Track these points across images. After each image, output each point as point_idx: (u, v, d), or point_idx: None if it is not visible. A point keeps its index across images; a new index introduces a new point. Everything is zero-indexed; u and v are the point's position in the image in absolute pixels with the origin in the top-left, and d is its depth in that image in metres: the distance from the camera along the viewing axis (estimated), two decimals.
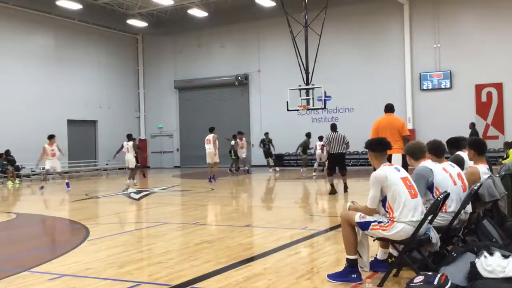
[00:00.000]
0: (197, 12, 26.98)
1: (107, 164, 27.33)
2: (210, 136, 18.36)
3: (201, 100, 29.83)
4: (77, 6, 24.80)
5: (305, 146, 22.20)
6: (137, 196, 14.17)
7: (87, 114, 27.89)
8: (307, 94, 22.74)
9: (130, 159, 18.24)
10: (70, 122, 26.88)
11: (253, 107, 28.72)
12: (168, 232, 8.36)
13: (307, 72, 22.78)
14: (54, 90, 25.86)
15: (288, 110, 22.84)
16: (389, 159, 9.02)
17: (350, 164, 23.90)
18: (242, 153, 22.83)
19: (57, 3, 24.04)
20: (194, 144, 27.20)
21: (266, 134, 24.33)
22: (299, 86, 22.85)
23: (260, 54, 28.22)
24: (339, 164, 13.22)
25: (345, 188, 13.15)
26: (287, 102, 22.64)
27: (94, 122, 28.56)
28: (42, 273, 5.61)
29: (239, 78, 28.28)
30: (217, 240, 7.39)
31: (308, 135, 22.27)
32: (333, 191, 12.89)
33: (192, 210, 11.52)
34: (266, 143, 23.82)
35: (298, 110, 23.39)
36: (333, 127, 13.35)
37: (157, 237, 7.96)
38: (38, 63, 25.58)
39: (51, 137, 17.06)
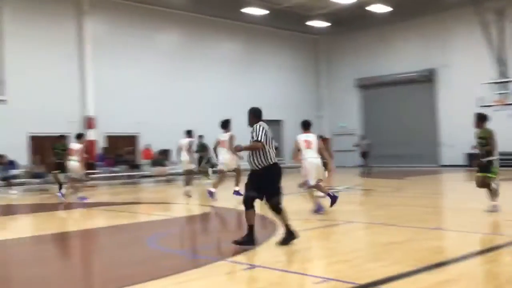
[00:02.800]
0: (380, 8, 26.32)
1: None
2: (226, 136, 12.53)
3: (383, 98, 29.21)
4: (263, 12, 26.19)
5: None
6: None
7: (273, 114, 29.08)
8: (504, 88, 20.96)
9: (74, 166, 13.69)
10: None
11: (441, 104, 27.18)
12: (352, 231, 8.33)
13: (502, 64, 20.90)
14: (244, 91, 27.54)
15: (481, 106, 21.18)
16: None
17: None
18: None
19: (243, 10, 25.72)
20: (378, 142, 26.54)
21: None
22: (493, 79, 21.10)
23: (446, 47, 26.61)
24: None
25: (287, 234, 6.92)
26: (479, 97, 21.05)
27: (278, 122, 29.63)
28: (237, 263, 6.00)
29: (424, 74, 27.02)
30: (405, 241, 7.13)
31: None
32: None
33: (376, 209, 11.30)
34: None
35: (493, 105, 21.58)
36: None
37: (342, 235, 7.97)
38: (227, 67, 27.90)
39: None
